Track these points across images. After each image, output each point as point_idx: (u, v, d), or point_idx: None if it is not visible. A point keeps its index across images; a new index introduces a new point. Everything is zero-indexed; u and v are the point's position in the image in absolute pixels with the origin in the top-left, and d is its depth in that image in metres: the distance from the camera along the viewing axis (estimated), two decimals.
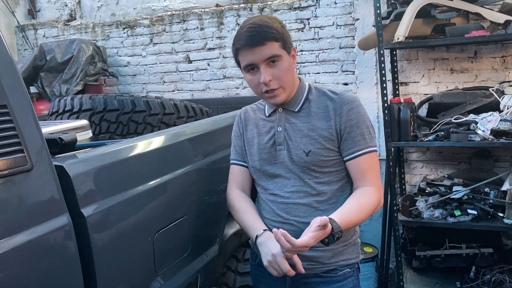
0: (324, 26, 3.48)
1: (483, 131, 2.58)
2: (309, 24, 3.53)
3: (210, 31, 3.85)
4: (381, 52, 2.79)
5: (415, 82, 3.25)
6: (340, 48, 3.45)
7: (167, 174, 1.60)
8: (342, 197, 1.52)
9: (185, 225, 1.67)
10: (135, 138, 1.71)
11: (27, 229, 1.10)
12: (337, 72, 3.48)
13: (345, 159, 1.50)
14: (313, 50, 3.53)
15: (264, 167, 1.56)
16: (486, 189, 2.70)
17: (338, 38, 3.44)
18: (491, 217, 2.65)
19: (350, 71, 3.44)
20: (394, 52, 3.14)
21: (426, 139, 2.75)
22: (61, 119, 2.37)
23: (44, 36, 4.52)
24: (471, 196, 2.74)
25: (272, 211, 1.55)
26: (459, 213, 2.71)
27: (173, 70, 4.03)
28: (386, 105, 2.80)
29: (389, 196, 2.93)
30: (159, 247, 1.52)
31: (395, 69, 3.16)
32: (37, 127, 1.19)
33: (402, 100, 2.86)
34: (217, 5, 3.90)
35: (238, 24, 3.75)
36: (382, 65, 2.80)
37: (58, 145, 1.41)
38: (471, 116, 2.70)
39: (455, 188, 2.81)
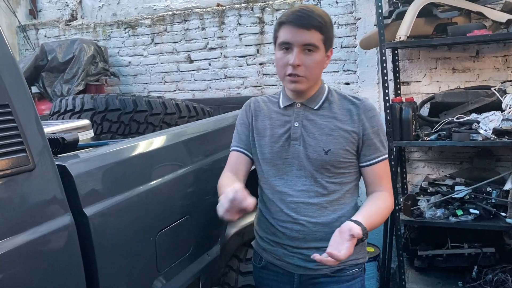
0: None
1: (485, 130, 2.58)
2: None
3: (211, 30, 3.85)
4: (383, 51, 2.79)
5: (417, 81, 3.25)
6: (341, 47, 3.45)
7: (169, 174, 1.60)
8: (350, 199, 1.52)
9: (187, 225, 1.66)
10: (136, 138, 1.71)
11: (29, 229, 1.10)
12: (338, 71, 3.48)
13: (363, 164, 1.51)
14: None
15: (275, 160, 1.53)
16: (488, 189, 2.70)
17: (339, 37, 3.43)
18: (493, 216, 2.65)
19: (352, 71, 3.44)
20: (396, 52, 3.14)
21: (428, 138, 2.75)
22: (62, 119, 2.37)
23: (45, 36, 4.52)
24: (473, 196, 2.74)
25: (279, 211, 1.52)
26: (461, 212, 2.70)
27: (175, 70, 4.03)
28: (388, 104, 2.80)
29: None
30: (161, 246, 1.52)
31: (397, 69, 3.15)
32: (39, 127, 1.18)
33: (404, 100, 2.86)
34: (218, 5, 3.89)
35: (239, 24, 3.75)
36: (384, 64, 2.80)
37: (60, 145, 1.41)
38: (473, 116, 2.70)
39: (457, 187, 2.80)
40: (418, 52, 3.21)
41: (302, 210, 1.49)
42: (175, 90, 4.04)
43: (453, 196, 2.76)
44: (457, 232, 2.88)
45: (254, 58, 3.74)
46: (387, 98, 2.81)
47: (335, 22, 3.44)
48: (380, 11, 2.76)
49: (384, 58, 2.79)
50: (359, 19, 3.37)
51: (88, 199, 1.27)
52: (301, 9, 1.43)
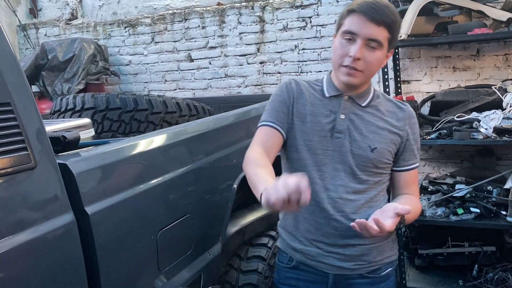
0: (326, 24, 3.47)
1: (486, 129, 2.57)
2: (311, 22, 3.52)
3: (212, 29, 3.85)
4: None
5: (417, 80, 3.25)
6: None
7: (170, 172, 1.60)
8: (383, 197, 1.52)
9: (188, 223, 1.66)
10: (137, 136, 1.70)
11: (30, 227, 1.10)
12: None
13: (399, 168, 1.51)
14: (315, 49, 3.53)
15: (314, 149, 1.44)
16: (489, 187, 2.70)
17: None
18: (494, 215, 2.65)
19: None
20: (397, 50, 3.13)
21: (428, 137, 2.74)
22: (63, 117, 2.37)
23: (45, 35, 4.53)
24: (473, 194, 2.74)
25: (314, 205, 1.42)
26: (462, 211, 2.70)
27: (175, 69, 4.03)
28: None
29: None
30: (162, 245, 1.52)
31: (398, 67, 3.15)
32: (40, 125, 1.18)
33: (404, 98, 2.85)
34: (218, 4, 3.89)
35: (240, 23, 3.75)
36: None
37: (61, 143, 1.41)
38: (474, 114, 2.70)
39: (457, 186, 2.81)
40: (418, 51, 3.21)
41: (340, 205, 1.43)
42: (176, 89, 4.04)
43: (453, 195, 2.76)
44: (458, 230, 2.88)
45: (254, 57, 3.74)
46: None
47: (335, 20, 3.43)
48: None
49: None
50: None
51: (90, 197, 1.27)
52: (376, 2, 1.35)
